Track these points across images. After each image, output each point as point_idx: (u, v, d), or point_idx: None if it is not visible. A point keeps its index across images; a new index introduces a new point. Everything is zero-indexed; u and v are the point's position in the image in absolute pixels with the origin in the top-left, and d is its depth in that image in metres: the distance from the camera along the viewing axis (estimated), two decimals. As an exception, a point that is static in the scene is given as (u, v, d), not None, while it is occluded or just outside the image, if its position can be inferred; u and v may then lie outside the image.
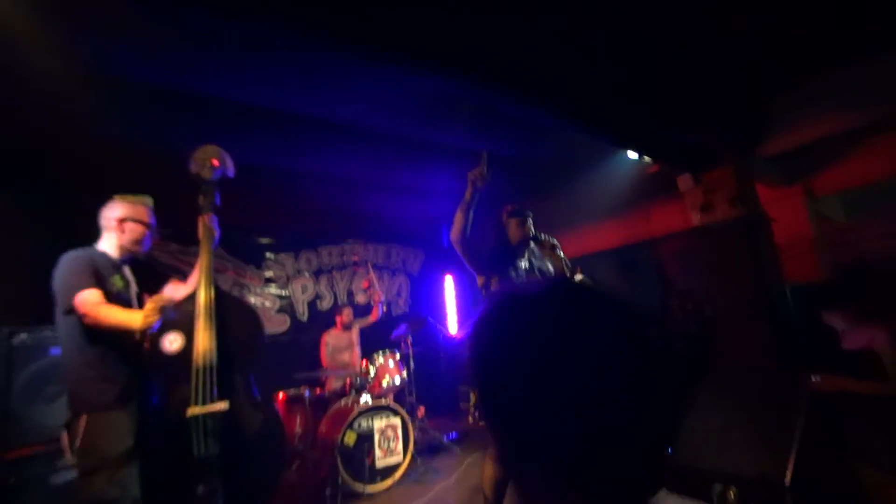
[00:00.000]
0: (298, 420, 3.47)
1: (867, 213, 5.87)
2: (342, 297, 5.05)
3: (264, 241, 4.69)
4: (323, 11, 1.64)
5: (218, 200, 2.21)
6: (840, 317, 2.37)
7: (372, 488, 3.09)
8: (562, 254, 2.18)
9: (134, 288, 2.04)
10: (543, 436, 0.43)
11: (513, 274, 2.18)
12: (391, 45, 1.87)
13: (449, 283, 5.92)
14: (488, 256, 2.24)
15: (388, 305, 5.31)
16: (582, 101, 2.39)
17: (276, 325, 4.57)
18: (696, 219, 3.46)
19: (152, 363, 1.88)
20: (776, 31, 2.47)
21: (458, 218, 2.08)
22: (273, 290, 4.63)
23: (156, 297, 1.82)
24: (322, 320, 4.73)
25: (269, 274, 4.63)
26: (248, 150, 3.75)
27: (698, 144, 2.99)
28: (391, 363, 3.72)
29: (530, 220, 2.27)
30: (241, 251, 4.49)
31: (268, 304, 4.56)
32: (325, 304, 4.94)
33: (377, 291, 4.40)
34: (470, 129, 3.64)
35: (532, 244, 2.24)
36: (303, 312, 4.76)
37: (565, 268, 2.17)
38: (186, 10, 1.79)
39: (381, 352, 3.72)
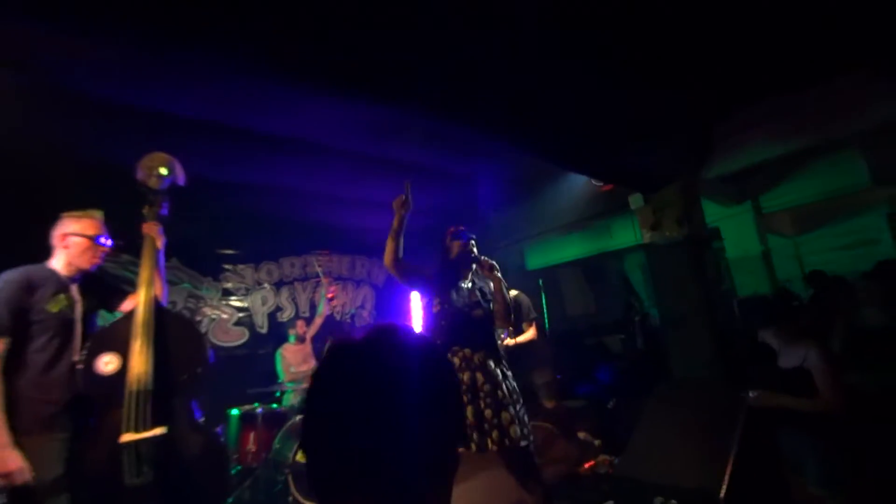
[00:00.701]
0: (252, 437, 3.40)
1: (816, 230, 6.26)
2: (304, 309, 4.99)
3: (223, 252, 4.60)
4: (261, 45, 1.64)
5: (166, 210, 2.16)
6: (774, 335, 2.50)
7: (325, 506, 3.05)
8: (499, 275, 2.22)
9: (79, 309, 1.93)
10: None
11: (454, 295, 2.20)
12: (331, 78, 1.89)
13: (415, 294, 5.93)
14: (431, 279, 2.26)
15: (352, 317, 5.27)
16: (527, 127, 2.46)
17: (233, 337, 4.47)
18: (645, 236, 3.59)
19: (86, 386, 1.82)
20: (716, 60, 2.61)
21: (389, 244, 2.15)
22: (231, 301, 4.53)
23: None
24: (283, 332, 4.66)
25: (227, 285, 4.54)
26: (207, 165, 3.69)
27: (644, 168, 3.12)
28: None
29: (473, 242, 2.31)
30: (198, 263, 4.38)
31: (224, 316, 4.46)
32: (286, 315, 4.87)
33: (337, 300, 4.38)
34: (428, 147, 3.70)
35: (474, 266, 2.27)
36: (262, 325, 4.68)
37: (503, 288, 2.20)
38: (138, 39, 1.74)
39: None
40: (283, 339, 4.30)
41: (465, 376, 2.04)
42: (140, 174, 2.02)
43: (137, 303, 1.89)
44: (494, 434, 1.94)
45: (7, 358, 1.68)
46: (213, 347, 4.33)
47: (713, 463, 2.49)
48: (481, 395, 2.00)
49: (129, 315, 1.88)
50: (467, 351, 2.09)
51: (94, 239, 1.93)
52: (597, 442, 3.78)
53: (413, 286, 2.27)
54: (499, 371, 2.09)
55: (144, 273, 1.94)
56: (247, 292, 4.64)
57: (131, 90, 2.85)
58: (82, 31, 1.40)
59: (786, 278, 5.61)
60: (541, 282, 6.34)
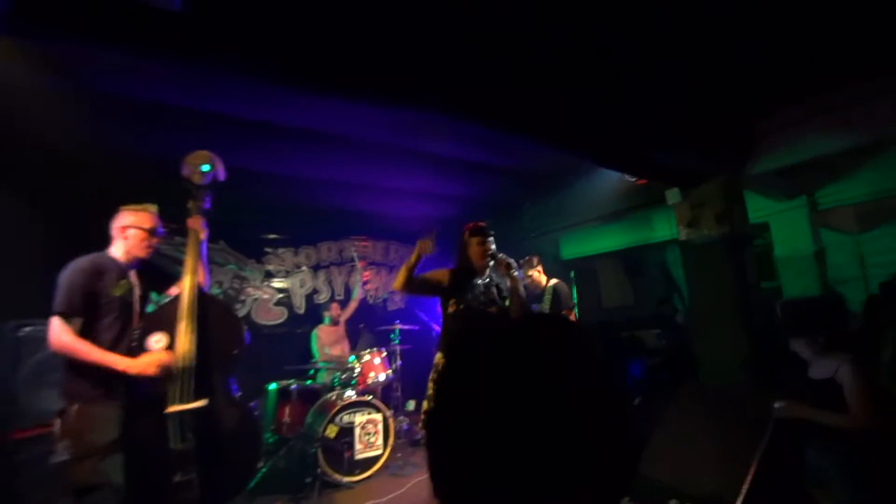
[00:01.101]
0: (287, 410, 3.65)
1: (881, 227, 5.73)
2: (339, 292, 5.22)
3: (266, 236, 4.88)
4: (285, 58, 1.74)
5: (208, 204, 2.34)
6: (806, 344, 2.38)
7: (350, 479, 3.27)
8: (517, 273, 2.22)
9: (137, 292, 2.15)
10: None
11: (469, 295, 2.24)
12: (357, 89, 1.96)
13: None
14: (444, 283, 2.29)
15: (385, 301, 5.46)
16: (559, 125, 2.43)
17: (273, 316, 4.78)
18: (682, 233, 3.46)
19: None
20: (759, 55, 2.45)
21: (402, 274, 2.25)
22: (273, 283, 4.83)
23: (162, 358, 1.94)
24: (319, 313, 4.92)
25: (269, 268, 4.83)
26: (253, 158, 3.93)
27: (682, 163, 2.99)
28: (377, 360, 3.87)
29: (491, 239, 2.30)
30: (243, 246, 4.69)
31: (266, 296, 4.77)
32: (323, 297, 5.12)
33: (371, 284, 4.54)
34: (461, 140, 3.72)
35: (492, 263, 2.28)
36: (300, 305, 4.95)
37: (520, 287, 2.22)
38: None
39: (368, 350, 3.87)
40: (319, 320, 4.54)
41: None
42: (185, 171, 2.20)
43: (183, 289, 2.09)
44: None
45: (80, 335, 1.92)
46: (255, 326, 4.68)
47: (733, 471, 2.44)
48: None
49: (176, 299, 2.08)
50: None
51: (149, 231, 2.14)
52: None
53: (434, 295, 2.32)
54: None
55: (189, 262, 2.14)
56: (287, 274, 4.92)
57: (188, 95, 3.05)
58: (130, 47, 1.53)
59: (842, 279, 5.22)
60: (573, 273, 6.25)
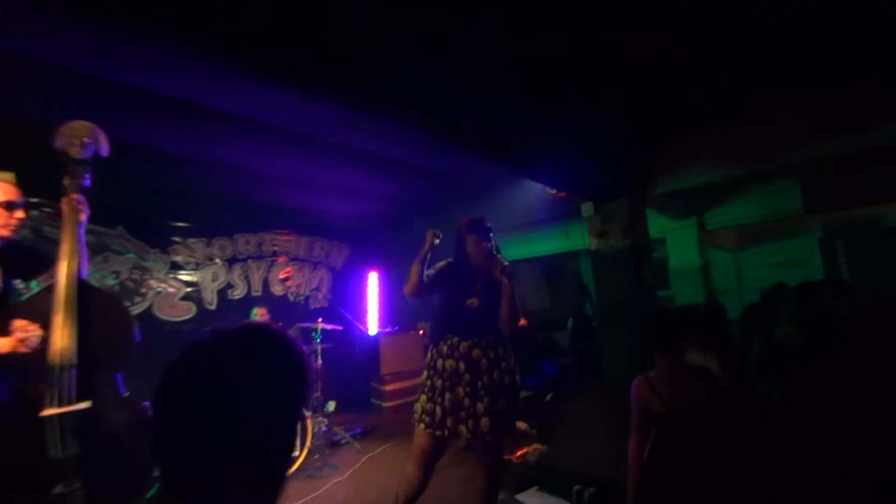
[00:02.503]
0: (192, 413, 3.39)
1: (755, 246, 6.69)
2: (256, 288, 4.93)
3: (174, 224, 4.46)
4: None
5: (88, 181, 2.07)
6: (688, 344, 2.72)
7: (260, 484, 3.11)
8: (511, 280, 2.07)
9: None
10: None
11: (455, 286, 2.16)
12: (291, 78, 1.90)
13: (373, 279, 5.96)
14: (440, 275, 2.18)
15: (307, 299, 5.26)
16: (482, 135, 2.54)
17: (179, 312, 4.38)
18: (593, 243, 3.78)
19: (4, 359, 1.78)
20: (660, 92, 2.76)
21: (415, 271, 2.10)
22: (180, 275, 4.43)
23: (24, 329, 1.69)
24: (233, 309, 4.61)
25: (176, 258, 4.42)
26: (162, 136, 3.58)
27: (596, 181, 3.27)
28: (295, 360, 3.72)
29: (490, 237, 2.15)
30: (146, 234, 4.24)
31: (171, 289, 4.35)
32: (238, 293, 4.80)
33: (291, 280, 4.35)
34: (390, 139, 3.73)
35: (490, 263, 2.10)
36: (211, 301, 4.59)
37: (514, 295, 2.08)
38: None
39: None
40: (243, 318, 4.26)
41: (448, 364, 2.05)
42: (59, 142, 1.91)
43: (59, 276, 1.83)
44: (469, 422, 1.97)
45: None
46: (157, 321, 4.26)
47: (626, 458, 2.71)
48: (461, 382, 2.02)
49: (50, 288, 1.83)
50: (455, 339, 2.08)
51: (7, 206, 1.85)
52: (534, 431, 4.00)
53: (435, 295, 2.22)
54: (485, 361, 2.05)
55: (65, 246, 1.85)
56: (197, 267, 4.54)
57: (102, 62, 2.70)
58: None
59: (723, 289, 6.00)
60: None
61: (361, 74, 2.12)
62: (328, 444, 3.92)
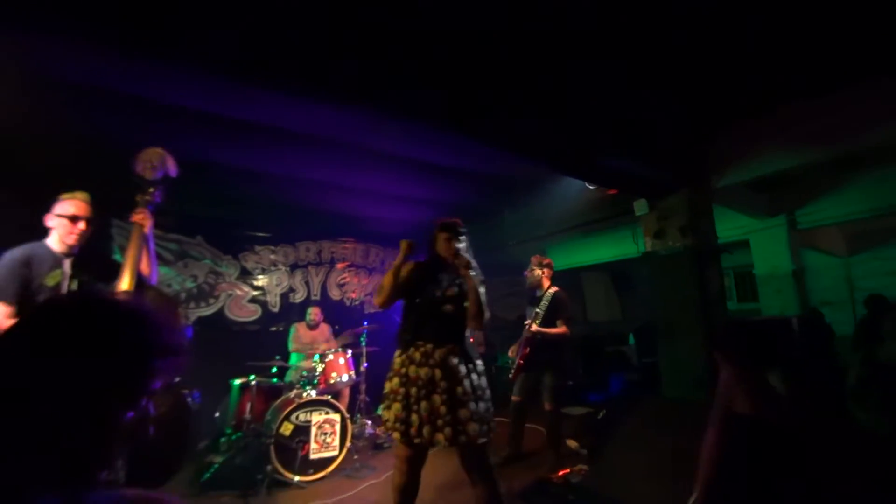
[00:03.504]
0: (249, 406, 3.64)
1: (871, 250, 5.64)
2: (315, 292, 5.23)
3: (245, 233, 4.93)
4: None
5: (158, 198, 2.39)
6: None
7: (302, 479, 3.23)
8: (474, 273, 2.08)
9: (67, 283, 2.14)
10: None
11: (427, 289, 2.14)
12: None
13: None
14: (409, 278, 2.19)
15: (362, 304, 5.46)
16: (522, 134, 2.45)
17: (246, 313, 4.79)
18: (648, 244, 3.43)
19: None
20: (721, 67, 2.45)
21: (388, 282, 2.11)
22: (248, 280, 4.86)
23: None
24: (294, 311, 4.94)
25: (246, 265, 4.86)
26: (235, 154, 3.98)
27: (645, 174, 2.97)
28: (341, 360, 3.85)
29: (461, 237, 2.17)
30: (220, 242, 4.73)
31: (240, 292, 4.79)
32: (299, 296, 5.14)
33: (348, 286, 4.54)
34: (442, 145, 3.75)
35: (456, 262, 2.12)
36: (274, 304, 4.97)
37: (476, 288, 2.08)
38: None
39: (332, 350, 3.86)
40: (300, 317, 4.58)
41: (423, 372, 2.02)
42: (136, 167, 2.25)
43: (122, 280, 2.11)
44: (447, 430, 1.94)
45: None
46: (226, 321, 4.70)
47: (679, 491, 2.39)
48: (438, 391, 1.99)
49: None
50: (429, 346, 2.05)
51: (72, 219, 2.16)
52: (584, 451, 3.70)
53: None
54: (462, 368, 2.04)
55: (130, 254, 2.15)
56: (263, 272, 4.95)
57: (165, 91, 3.10)
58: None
59: (826, 301, 5.11)
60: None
61: (425, 91, 2.16)
62: (371, 446, 3.98)
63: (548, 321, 3.48)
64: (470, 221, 5.63)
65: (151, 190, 2.33)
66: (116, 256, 2.43)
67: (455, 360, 2.03)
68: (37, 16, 1.64)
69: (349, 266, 5.51)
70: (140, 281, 2.19)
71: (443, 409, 1.95)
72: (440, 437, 1.92)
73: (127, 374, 0.64)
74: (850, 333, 3.95)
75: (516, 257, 6.83)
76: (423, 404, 1.96)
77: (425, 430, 1.94)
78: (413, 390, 2.01)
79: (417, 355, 2.04)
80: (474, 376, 2.06)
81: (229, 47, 1.84)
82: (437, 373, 1.99)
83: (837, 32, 2.18)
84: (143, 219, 2.27)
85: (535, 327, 3.44)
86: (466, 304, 2.14)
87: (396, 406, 2.03)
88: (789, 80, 2.63)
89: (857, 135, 2.72)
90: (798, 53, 2.37)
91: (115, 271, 2.34)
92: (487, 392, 2.10)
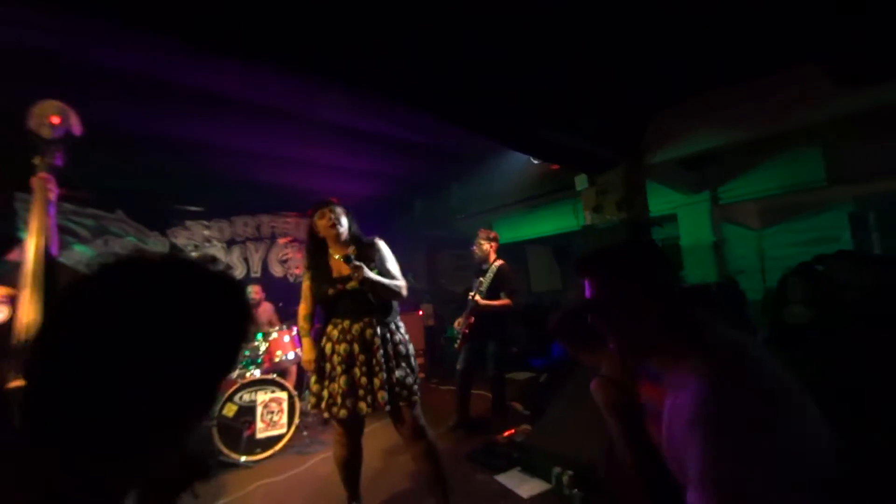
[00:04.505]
0: (187, 390, 3.48)
1: (780, 223, 6.27)
2: (255, 269, 5.00)
3: (174, 207, 4.55)
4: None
5: (60, 161, 2.10)
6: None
7: (249, 458, 3.18)
8: (379, 251, 2.22)
9: None
10: None
11: (323, 271, 2.19)
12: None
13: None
14: (310, 267, 2.27)
15: (307, 279, 5.30)
16: (463, 105, 2.42)
17: (179, 293, 4.50)
18: (587, 217, 3.60)
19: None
20: (660, 46, 2.54)
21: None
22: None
23: None
24: (234, 291, 4.71)
25: (176, 241, 4.51)
26: (158, 120, 3.59)
27: (585, 149, 3.07)
28: (286, 338, 3.75)
29: (332, 215, 2.17)
30: (145, 217, 4.34)
31: (171, 271, 4.47)
32: (237, 274, 4.87)
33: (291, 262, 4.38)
34: (385, 117, 3.64)
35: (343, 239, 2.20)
36: (211, 282, 4.69)
37: (371, 280, 2.13)
38: None
39: (275, 328, 3.74)
40: None
41: (342, 347, 2.09)
42: (31, 122, 1.96)
43: (26, 253, 1.88)
44: (368, 398, 2.04)
45: None
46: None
47: (604, 442, 2.60)
48: (357, 363, 2.07)
49: (17, 265, 1.87)
50: (346, 322, 2.12)
51: None
52: (528, 413, 3.93)
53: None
54: (377, 339, 2.11)
55: (34, 224, 1.90)
56: (196, 249, 4.63)
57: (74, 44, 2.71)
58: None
59: (740, 269, 5.67)
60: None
61: (368, 62, 2.05)
62: (320, 421, 3.97)
63: (492, 293, 3.60)
64: (417, 195, 5.64)
65: (52, 150, 2.06)
66: (21, 234, 2.16)
67: (370, 332, 2.11)
68: None
69: (291, 241, 5.29)
70: (48, 256, 1.98)
71: (363, 379, 2.06)
72: (362, 405, 2.03)
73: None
74: (759, 298, 4.42)
75: (464, 231, 6.91)
76: (343, 378, 2.05)
77: (348, 402, 2.03)
78: (327, 366, 2.10)
79: (335, 333, 2.13)
80: (391, 346, 2.15)
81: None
82: (356, 347, 2.08)
83: (765, 21, 2.32)
84: (44, 184, 2.01)
85: (479, 299, 3.55)
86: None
87: (313, 380, 2.14)
88: (719, 65, 2.78)
89: (775, 118, 2.97)
90: (728, 40, 2.51)
91: (10, 243, 2.09)
92: (410, 359, 2.21)
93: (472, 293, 3.63)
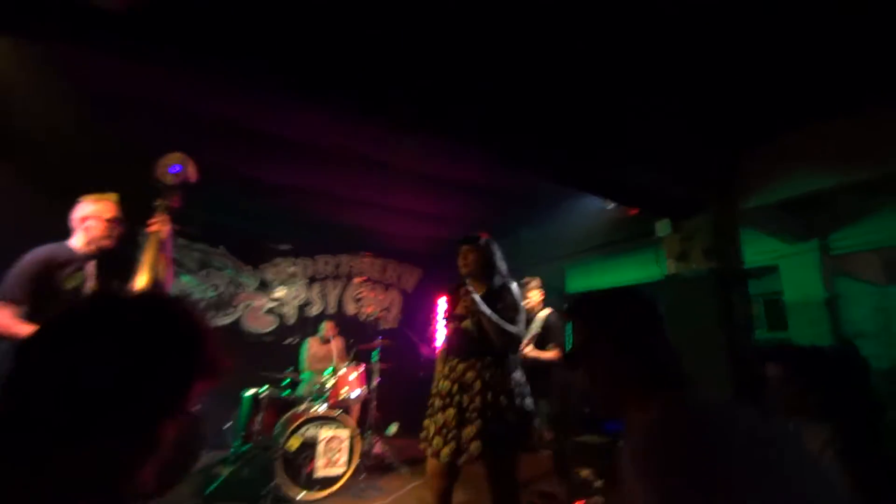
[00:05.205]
0: (260, 418, 3.63)
1: (914, 278, 5.29)
2: (332, 306, 5.25)
3: (266, 245, 5.01)
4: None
5: (176, 203, 2.43)
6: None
7: (307, 496, 3.18)
8: (470, 297, 2.10)
9: (90, 284, 2.19)
10: None
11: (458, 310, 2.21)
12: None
13: (442, 303, 5.96)
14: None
15: (377, 319, 5.44)
16: (539, 148, 2.43)
17: (263, 324, 4.83)
18: (670, 266, 3.32)
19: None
20: (752, 77, 2.38)
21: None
22: (266, 291, 4.92)
23: None
24: (309, 324, 4.96)
25: (265, 276, 4.93)
26: (257, 167, 4.07)
27: (664, 193, 2.89)
28: (352, 375, 3.82)
29: (471, 254, 2.24)
30: (242, 253, 4.82)
31: (258, 303, 4.84)
32: (315, 309, 5.16)
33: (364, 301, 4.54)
34: (460, 162, 3.77)
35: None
36: (291, 315, 5.00)
37: (479, 311, 2.10)
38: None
39: (344, 364, 3.83)
40: (313, 332, 4.58)
41: (445, 385, 2.10)
42: (157, 171, 2.31)
43: (135, 280, 2.15)
44: (451, 444, 1.96)
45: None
46: (242, 332, 4.75)
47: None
48: (452, 404, 2.04)
49: (133, 292, 2.13)
50: (455, 361, 2.14)
51: (108, 221, 2.23)
52: (598, 483, 3.52)
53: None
54: (478, 383, 2.04)
55: (147, 257, 2.19)
56: (282, 284, 5.01)
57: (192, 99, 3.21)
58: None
59: (861, 332, 4.82)
60: (565, 306, 6.03)
61: (448, 106, 2.20)
62: (379, 466, 3.90)
63: (540, 345, 3.41)
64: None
65: (170, 194, 2.39)
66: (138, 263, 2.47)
67: (472, 375, 2.05)
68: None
69: (366, 281, 5.52)
70: (156, 286, 2.24)
71: (452, 423, 1.99)
72: (446, 450, 1.95)
73: (184, 392, 0.61)
74: (886, 367, 3.69)
75: (542, 281, 6.74)
76: (439, 416, 2.04)
77: (436, 441, 1.99)
78: (437, 402, 2.10)
79: (446, 370, 2.15)
80: (490, 394, 2.01)
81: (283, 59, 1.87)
82: (455, 387, 2.06)
83: (875, 43, 2.09)
84: (161, 223, 2.32)
85: (529, 352, 3.37)
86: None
87: (426, 418, 2.13)
88: (823, 94, 2.52)
89: (884, 158, 2.59)
90: (832, 66, 2.28)
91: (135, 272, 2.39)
92: (509, 412, 2.01)
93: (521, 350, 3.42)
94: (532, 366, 3.30)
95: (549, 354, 3.43)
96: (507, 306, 2.14)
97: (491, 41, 2.09)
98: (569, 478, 3.43)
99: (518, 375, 2.15)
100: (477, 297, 2.10)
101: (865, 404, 2.76)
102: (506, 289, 2.21)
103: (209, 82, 2.88)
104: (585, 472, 3.67)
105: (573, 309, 0.99)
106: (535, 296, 3.61)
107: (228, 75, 2.32)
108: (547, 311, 3.52)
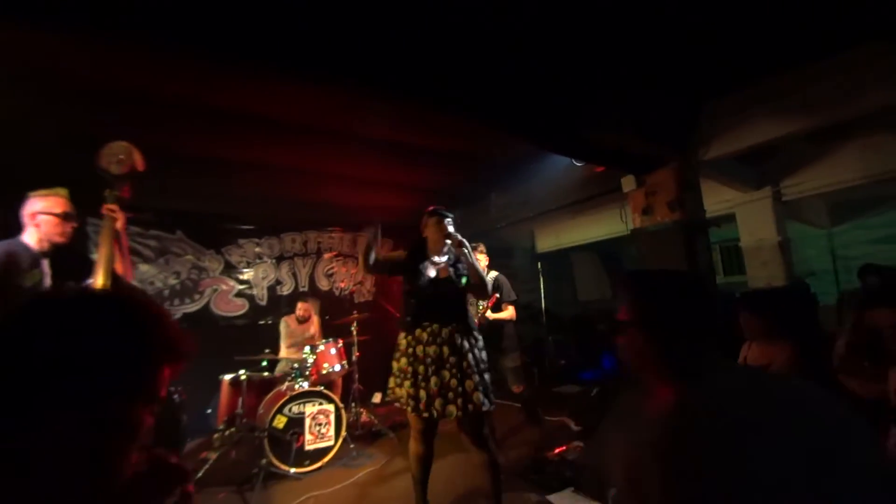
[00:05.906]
0: (241, 401, 3.58)
1: (853, 220, 5.72)
2: (303, 283, 5.15)
3: (227, 227, 4.80)
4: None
5: (127, 194, 2.29)
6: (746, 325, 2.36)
7: (298, 470, 3.22)
8: (467, 250, 2.22)
9: (48, 282, 2.09)
10: None
11: (423, 273, 2.27)
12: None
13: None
14: (404, 261, 2.36)
15: (352, 293, 5.40)
16: (505, 107, 2.39)
17: (233, 308, 4.70)
18: (636, 220, 3.42)
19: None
20: (709, 34, 2.39)
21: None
22: (233, 274, 4.75)
23: None
24: (282, 304, 4.86)
25: (230, 259, 4.74)
26: (211, 144, 3.82)
27: (630, 149, 2.93)
28: (332, 350, 3.81)
29: (447, 221, 2.32)
30: (201, 237, 4.60)
31: (226, 287, 4.69)
32: (286, 288, 5.05)
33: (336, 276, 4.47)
34: (425, 130, 3.67)
35: (448, 242, 2.28)
36: (262, 297, 4.88)
37: (475, 262, 2.26)
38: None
39: (322, 340, 3.81)
40: (289, 311, 4.49)
41: (432, 350, 2.16)
42: (102, 161, 2.14)
43: (95, 276, 2.03)
44: (459, 401, 2.08)
45: None
46: (213, 317, 4.61)
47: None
48: (447, 366, 2.13)
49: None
50: (436, 326, 2.19)
51: (61, 216, 2.08)
52: (578, 428, 3.74)
53: (394, 274, 2.44)
54: (466, 343, 2.18)
55: (103, 251, 2.07)
56: (248, 265, 4.85)
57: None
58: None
59: (810, 271, 5.20)
60: (539, 265, 6.19)
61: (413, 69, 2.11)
62: (369, 434, 3.98)
63: (494, 306, 3.52)
64: (458, 206, 5.57)
65: (119, 184, 2.24)
66: (92, 256, 2.34)
67: (459, 337, 2.18)
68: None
69: (336, 256, 5.42)
70: (115, 279, 2.12)
71: (453, 382, 2.11)
72: (452, 408, 2.08)
73: (144, 376, 0.60)
74: (832, 303, 4.01)
75: (505, 240, 6.82)
76: (434, 380, 2.11)
77: (437, 403, 2.08)
78: (421, 368, 2.15)
79: (424, 335, 2.19)
80: (476, 350, 2.22)
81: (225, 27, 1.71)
82: (445, 350, 2.15)
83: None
84: (113, 214, 2.18)
85: (490, 315, 3.49)
86: (462, 283, 2.30)
87: (407, 384, 2.17)
88: (776, 49, 2.58)
89: (845, 103, 2.71)
90: (784, 21, 2.33)
91: (88, 269, 2.25)
92: (488, 364, 2.27)
93: (480, 309, 3.51)
94: (490, 326, 3.46)
95: (506, 315, 3.56)
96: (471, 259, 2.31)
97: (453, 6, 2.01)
98: (541, 424, 3.64)
99: (477, 333, 2.32)
100: (465, 242, 2.22)
101: (815, 330, 3.03)
102: (462, 245, 2.33)
103: (152, 56, 2.65)
104: (567, 421, 3.90)
105: (629, 283, 1.01)
106: (481, 259, 3.67)
107: (168, 47, 2.13)
108: (494, 274, 3.62)
